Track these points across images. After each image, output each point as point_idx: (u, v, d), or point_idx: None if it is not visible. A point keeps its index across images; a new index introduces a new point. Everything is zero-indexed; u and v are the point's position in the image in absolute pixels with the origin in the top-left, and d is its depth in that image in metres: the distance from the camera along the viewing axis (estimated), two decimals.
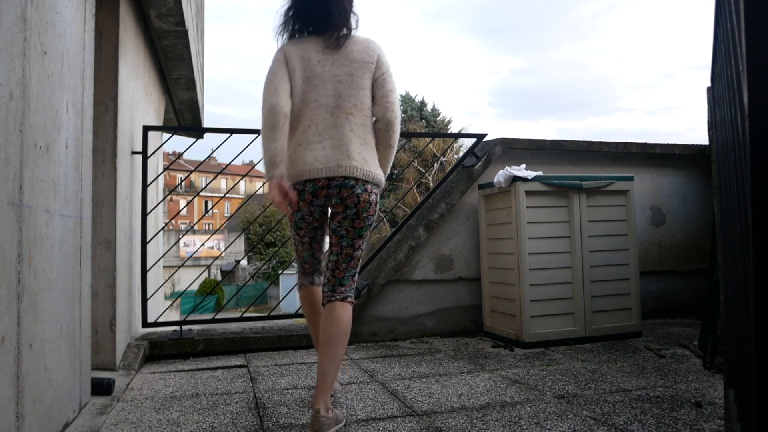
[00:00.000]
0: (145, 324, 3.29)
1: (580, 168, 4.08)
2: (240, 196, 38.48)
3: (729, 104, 1.36)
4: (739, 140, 1.06)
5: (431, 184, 21.43)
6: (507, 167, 3.40)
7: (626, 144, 4.29)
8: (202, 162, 4.05)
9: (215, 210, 43.95)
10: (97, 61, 2.59)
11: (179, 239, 5.72)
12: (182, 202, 36.91)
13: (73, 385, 2.01)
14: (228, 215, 39.73)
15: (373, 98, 2.05)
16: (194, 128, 5.82)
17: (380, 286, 3.60)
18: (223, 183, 41.39)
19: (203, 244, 25.97)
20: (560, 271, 3.35)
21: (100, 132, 2.65)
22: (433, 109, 29.42)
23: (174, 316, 8.17)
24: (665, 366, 2.76)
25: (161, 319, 3.55)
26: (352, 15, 2.07)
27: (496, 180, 3.45)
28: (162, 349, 3.15)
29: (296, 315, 3.44)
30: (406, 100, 28.57)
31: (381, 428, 1.96)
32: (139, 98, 3.47)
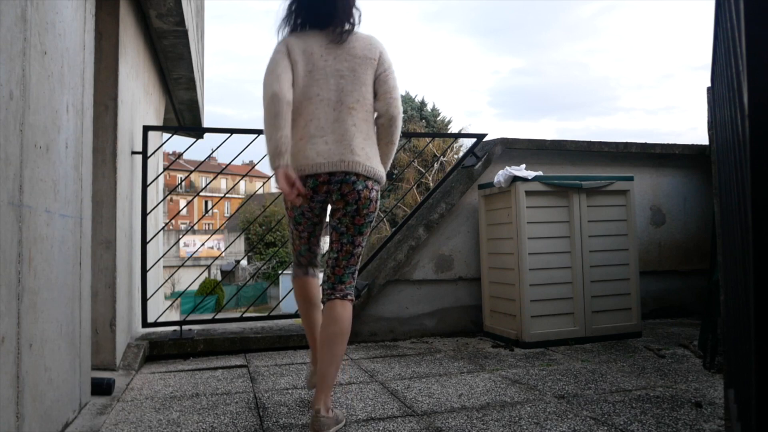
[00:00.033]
0: (145, 324, 3.29)
1: (580, 168, 4.08)
2: (240, 196, 38.49)
3: (729, 104, 1.36)
4: (739, 140, 1.06)
5: (431, 184, 21.43)
6: (507, 167, 3.40)
7: (626, 144, 4.29)
8: (202, 162, 4.05)
9: (215, 210, 43.95)
10: (97, 61, 2.59)
11: (179, 239, 5.72)
12: (182, 202, 36.92)
13: (73, 385, 2.01)
14: (228, 215, 39.72)
15: (376, 94, 2.04)
16: (194, 128, 5.82)
17: (380, 286, 3.60)
18: (223, 183, 41.41)
19: (203, 244, 25.97)
20: (560, 271, 3.35)
21: (100, 132, 2.65)
22: (433, 109, 29.42)
23: (174, 316, 8.18)
24: (665, 366, 2.76)
25: (161, 319, 3.55)
26: (354, 10, 2.06)
27: (496, 180, 3.45)
28: (162, 349, 3.15)
29: (296, 315, 3.44)
30: (406, 100, 28.56)
31: (381, 428, 1.96)
32: (139, 98, 3.47)
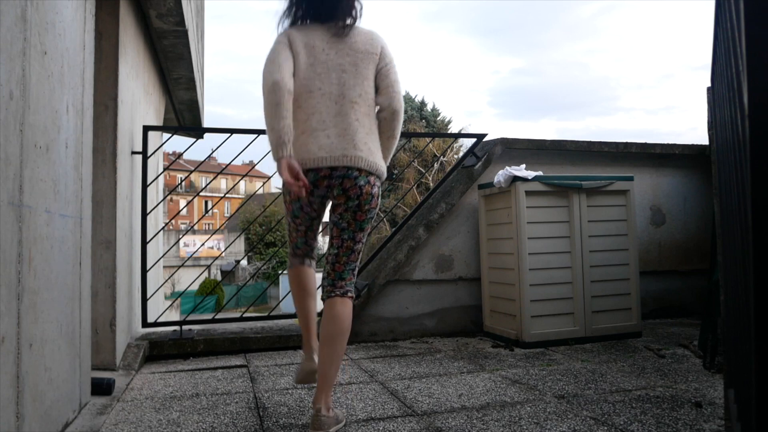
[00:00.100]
0: (145, 324, 3.29)
1: (580, 168, 4.08)
2: (240, 196, 38.50)
3: (729, 104, 1.36)
4: (739, 140, 1.06)
5: (431, 184, 21.42)
6: (507, 167, 3.40)
7: (626, 144, 4.29)
8: (202, 162, 4.05)
9: (215, 210, 43.96)
10: (97, 61, 2.59)
11: (179, 239, 5.72)
12: (182, 202, 36.92)
13: (73, 385, 2.01)
14: (228, 215, 39.73)
15: (377, 88, 2.03)
16: (194, 128, 5.82)
17: (380, 286, 3.60)
18: (223, 183, 41.41)
19: (203, 244, 25.97)
20: (560, 271, 3.35)
21: (100, 132, 2.65)
22: (433, 109, 29.40)
23: (174, 316, 8.18)
24: (665, 366, 2.76)
25: (161, 319, 3.55)
26: (357, 3, 2.05)
27: (496, 180, 3.45)
28: (162, 349, 3.15)
29: (296, 315, 3.44)
30: (406, 100, 28.55)
31: (381, 428, 1.96)
32: (139, 98, 3.47)
